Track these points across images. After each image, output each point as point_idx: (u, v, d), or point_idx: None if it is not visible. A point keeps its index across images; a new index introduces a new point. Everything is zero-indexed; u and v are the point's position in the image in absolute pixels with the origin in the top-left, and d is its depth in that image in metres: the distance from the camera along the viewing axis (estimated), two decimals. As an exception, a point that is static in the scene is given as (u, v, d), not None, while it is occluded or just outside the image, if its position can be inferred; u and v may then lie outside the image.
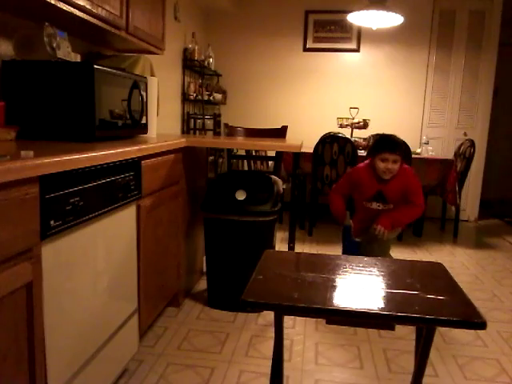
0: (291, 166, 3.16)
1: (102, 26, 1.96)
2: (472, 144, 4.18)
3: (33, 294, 1.11)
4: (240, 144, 2.71)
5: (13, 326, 1.06)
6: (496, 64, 4.74)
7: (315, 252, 3.55)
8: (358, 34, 4.88)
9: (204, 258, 2.78)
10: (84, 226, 1.35)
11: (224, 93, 5.01)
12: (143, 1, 2.35)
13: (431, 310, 1.14)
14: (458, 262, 3.53)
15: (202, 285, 2.80)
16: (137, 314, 1.83)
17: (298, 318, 2.39)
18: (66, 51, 1.89)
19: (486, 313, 2.57)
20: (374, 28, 4.19)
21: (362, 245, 2.54)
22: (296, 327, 2.31)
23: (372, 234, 2.43)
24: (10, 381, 1.07)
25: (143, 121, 2.14)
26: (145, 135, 2.26)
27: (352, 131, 4.35)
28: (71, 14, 1.72)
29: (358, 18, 4.02)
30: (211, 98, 4.63)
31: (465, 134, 4.89)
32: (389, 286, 1.30)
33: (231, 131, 3.78)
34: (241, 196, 2.38)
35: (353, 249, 2.51)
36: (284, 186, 2.93)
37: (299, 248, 3.55)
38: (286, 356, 2.00)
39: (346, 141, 3.79)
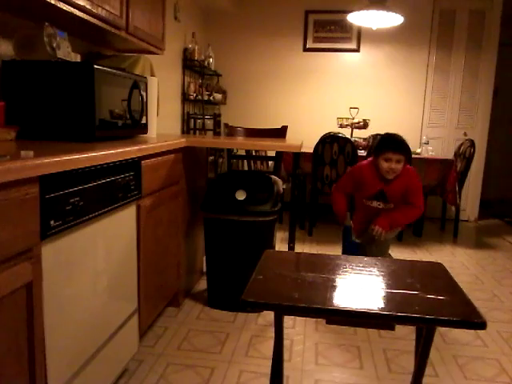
0: (291, 166, 3.16)
1: (102, 25, 1.96)
2: (472, 144, 4.18)
3: (33, 294, 1.11)
4: (240, 144, 2.71)
5: (13, 326, 1.06)
6: (496, 64, 4.74)
7: (315, 252, 3.55)
8: (358, 34, 4.88)
9: (204, 258, 2.78)
10: (84, 226, 1.35)
11: (224, 93, 5.01)
12: (143, 1, 2.35)
13: (431, 310, 1.14)
14: (458, 261, 3.53)
15: (202, 285, 2.80)
16: (137, 314, 1.83)
17: (298, 317, 2.39)
18: (65, 51, 1.89)
19: (485, 313, 2.57)
20: (374, 28, 4.19)
21: (361, 245, 2.54)
22: (296, 327, 2.31)
23: (370, 234, 2.43)
24: (10, 381, 1.07)
25: (143, 121, 2.14)
26: (145, 135, 2.26)
27: (352, 131, 4.35)
28: (71, 13, 1.72)
29: (358, 18, 4.02)
30: (211, 98, 4.63)
31: (465, 134, 4.89)
32: (389, 286, 1.30)
33: (231, 131, 3.77)
34: (241, 196, 2.38)
35: (352, 249, 2.51)
36: (284, 186, 2.93)
37: (299, 248, 3.55)
38: (286, 356, 2.00)
39: (345, 141, 3.79)
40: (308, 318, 2.38)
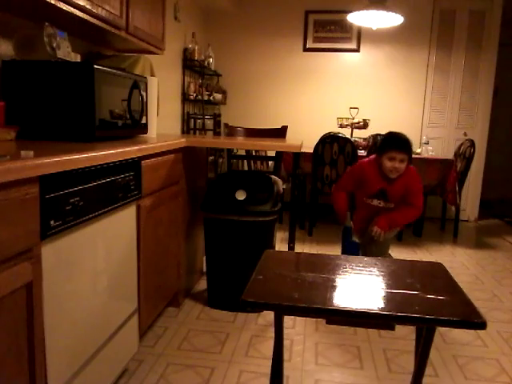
0: (291, 166, 3.16)
1: (101, 25, 1.96)
2: (472, 144, 4.19)
3: (33, 294, 1.11)
4: (240, 144, 2.71)
5: (13, 326, 1.06)
6: (496, 64, 4.75)
7: (315, 252, 3.55)
8: (358, 34, 4.88)
9: (204, 258, 2.78)
10: (84, 226, 1.35)
11: (224, 93, 5.01)
12: (143, 1, 2.35)
13: (431, 310, 1.14)
14: (458, 262, 3.53)
15: (202, 285, 2.80)
16: (137, 313, 1.83)
17: (298, 318, 2.39)
18: (65, 51, 1.89)
19: (485, 313, 2.57)
20: (374, 28, 4.19)
21: (361, 245, 2.54)
22: (296, 327, 2.31)
23: (369, 235, 2.43)
24: (10, 381, 1.07)
25: (143, 121, 2.14)
26: (145, 135, 2.26)
27: (352, 131, 4.35)
28: (71, 14, 1.72)
29: (358, 18, 4.02)
30: (211, 98, 4.63)
31: (465, 134, 4.89)
32: (389, 286, 1.30)
33: (231, 131, 3.77)
34: (241, 196, 2.38)
35: (352, 249, 2.51)
36: (284, 186, 2.93)
37: (299, 248, 3.55)
38: (286, 356, 2.00)
39: (345, 141, 3.79)
40: (308, 318, 2.38)
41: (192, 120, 4.43)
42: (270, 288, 1.28)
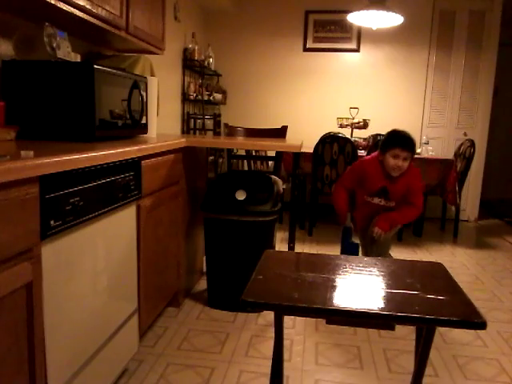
0: (291, 166, 3.16)
1: (101, 25, 1.96)
2: (472, 144, 4.19)
3: (33, 294, 1.11)
4: (240, 144, 2.71)
5: (13, 326, 1.06)
6: (496, 64, 4.75)
7: (315, 252, 3.55)
8: (358, 33, 4.88)
9: (204, 258, 2.78)
10: (84, 226, 1.35)
11: (224, 93, 5.01)
12: (143, 1, 2.35)
13: (431, 310, 1.14)
14: (458, 262, 3.53)
15: (202, 285, 2.80)
16: (137, 313, 1.83)
17: (297, 318, 2.39)
18: (65, 51, 1.89)
19: (485, 313, 2.57)
20: (374, 28, 4.19)
21: (362, 246, 2.54)
22: (296, 327, 2.31)
23: (370, 235, 2.43)
24: (10, 381, 1.07)
25: (143, 121, 2.14)
26: (145, 135, 2.26)
27: (352, 131, 4.35)
28: (71, 14, 1.72)
29: (358, 18, 4.02)
30: (211, 98, 4.63)
31: (465, 134, 4.89)
32: (389, 286, 1.30)
33: (231, 131, 3.77)
34: (241, 196, 2.38)
35: (351, 250, 2.51)
36: (284, 186, 2.93)
37: (299, 248, 3.55)
38: (286, 356, 2.00)
39: (345, 141, 3.79)
40: (308, 318, 2.38)
41: (192, 120, 4.43)
42: (270, 288, 1.28)
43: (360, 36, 4.88)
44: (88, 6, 1.79)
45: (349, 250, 2.52)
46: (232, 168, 4.04)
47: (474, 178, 4.92)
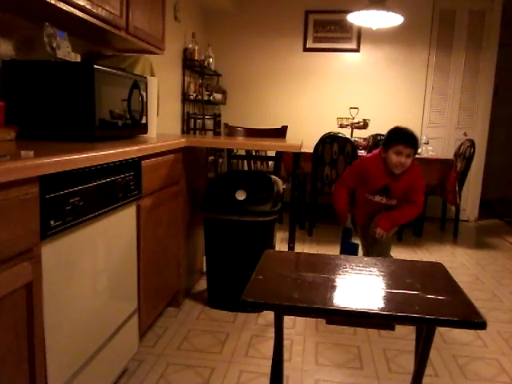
0: (291, 166, 3.16)
1: (102, 25, 1.96)
2: (472, 144, 4.19)
3: (33, 294, 1.11)
4: (240, 144, 2.71)
5: (13, 326, 1.06)
6: (496, 64, 4.75)
7: (315, 252, 3.55)
8: (358, 33, 4.88)
9: (204, 258, 2.78)
10: (84, 226, 1.35)
11: (224, 93, 5.01)
12: (143, 1, 2.35)
13: (431, 310, 1.14)
14: (458, 262, 3.53)
15: (202, 285, 2.80)
16: (137, 313, 1.83)
17: (298, 318, 2.39)
18: (65, 51, 1.89)
19: (486, 313, 2.57)
20: (374, 28, 4.19)
21: (362, 246, 2.54)
22: (296, 327, 2.31)
23: (372, 236, 2.43)
24: (10, 381, 1.07)
25: (143, 121, 2.14)
26: (145, 135, 2.26)
27: (352, 131, 4.35)
28: (71, 14, 1.72)
29: (358, 18, 4.02)
30: (211, 98, 4.63)
31: (465, 134, 4.89)
32: (389, 286, 1.30)
33: (231, 131, 3.77)
34: (241, 196, 2.38)
35: (351, 250, 2.51)
36: (284, 186, 2.93)
37: (299, 248, 3.55)
38: (286, 356, 2.00)
39: (345, 141, 3.79)
40: (308, 318, 2.38)
41: (192, 120, 4.43)
42: (269, 288, 1.28)
43: (360, 36, 4.89)
44: (88, 6, 1.79)
45: (348, 250, 2.52)
46: (232, 168, 4.04)
47: (474, 178, 4.93)
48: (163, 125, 3.44)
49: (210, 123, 4.83)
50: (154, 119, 2.36)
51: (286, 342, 2.11)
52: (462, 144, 4.40)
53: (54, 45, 1.81)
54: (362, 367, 1.96)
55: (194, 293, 2.70)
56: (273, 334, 1.39)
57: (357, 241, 2.63)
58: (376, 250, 2.48)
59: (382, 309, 1.15)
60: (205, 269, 2.70)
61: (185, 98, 4.26)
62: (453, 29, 4.77)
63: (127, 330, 1.74)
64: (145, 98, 2.13)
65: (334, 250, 3.47)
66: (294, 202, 2.56)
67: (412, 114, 4.94)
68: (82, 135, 1.66)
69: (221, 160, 4.61)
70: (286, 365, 1.87)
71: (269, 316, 2.40)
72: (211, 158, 4.28)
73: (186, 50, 4.18)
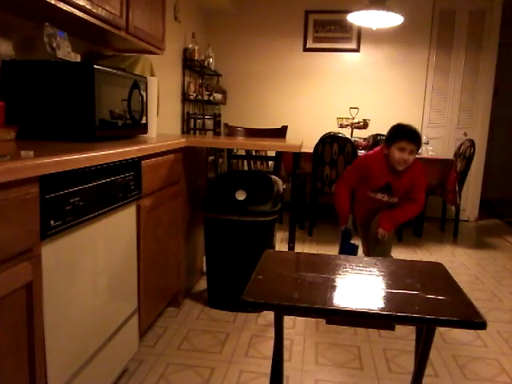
0: (291, 166, 3.16)
1: (101, 25, 1.96)
2: (472, 144, 4.19)
3: (33, 294, 1.11)
4: (240, 144, 2.71)
5: (13, 326, 1.06)
6: (496, 64, 4.74)
7: (315, 252, 3.55)
8: (358, 33, 4.88)
9: (204, 258, 2.78)
10: (84, 226, 1.35)
11: (224, 93, 5.01)
12: (143, 1, 2.35)
13: (431, 310, 1.14)
14: (458, 262, 3.53)
15: (202, 285, 2.80)
16: (137, 313, 1.83)
17: (298, 318, 2.39)
18: (65, 51, 1.89)
19: (486, 313, 2.57)
20: (374, 28, 4.19)
21: (364, 246, 2.54)
22: (296, 327, 2.31)
23: (374, 237, 2.43)
24: (10, 381, 1.07)
25: (143, 121, 2.14)
26: (145, 135, 2.26)
27: (352, 131, 4.35)
28: (71, 14, 1.72)
29: (358, 18, 4.02)
30: (211, 98, 4.63)
31: (465, 134, 4.89)
32: (389, 286, 1.30)
33: (231, 131, 3.77)
34: (241, 196, 2.38)
35: (350, 251, 2.50)
36: (284, 186, 2.93)
37: (299, 248, 3.55)
38: (286, 356, 2.00)
39: (345, 141, 3.79)
40: (308, 318, 2.38)
41: (192, 120, 4.43)
42: (269, 288, 1.28)
43: (360, 36, 4.88)
44: (88, 6, 1.79)
45: (347, 251, 2.52)
46: (232, 168, 4.04)
47: (474, 178, 4.92)
48: (163, 125, 3.44)
49: (210, 123, 4.83)
50: (154, 119, 2.36)
51: (286, 342, 2.11)
52: (462, 144, 4.40)
53: (54, 45, 1.81)
54: (361, 367, 1.96)
55: (194, 293, 2.70)
56: (273, 334, 1.39)
57: (357, 242, 2.62)
58: (378, 249, 2.47)
59: (382, 309, 1.15)
60: (205, 269, 2.70)
61: (185, 98, 4.26)
62: (453, 29, 4.77)
63: (127, 330, 1.74)
64: (145, 98, 2.13)
65: (333, 250, 3.47)
66: (294, 202, 2.56)
67: (412, 113, 4.94)
68: (82, 135, 1.66)
69: (221, 160, 4.61)
70: (286, 365, 1.87)
71: (269, 316, 2.40)
72: (211, 158, 4.28)
73: (185, 50, 4.18)
